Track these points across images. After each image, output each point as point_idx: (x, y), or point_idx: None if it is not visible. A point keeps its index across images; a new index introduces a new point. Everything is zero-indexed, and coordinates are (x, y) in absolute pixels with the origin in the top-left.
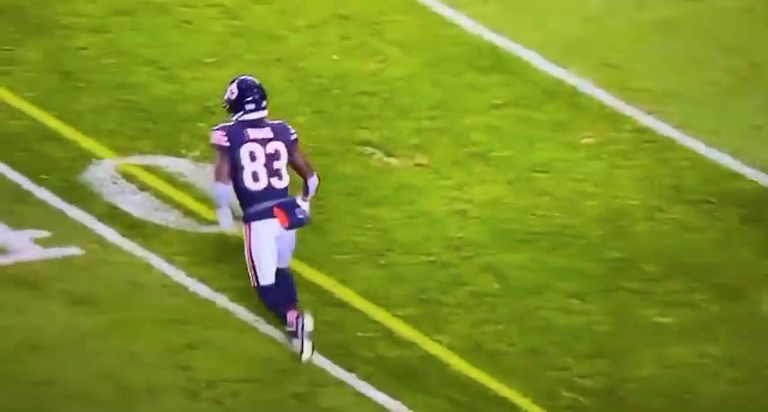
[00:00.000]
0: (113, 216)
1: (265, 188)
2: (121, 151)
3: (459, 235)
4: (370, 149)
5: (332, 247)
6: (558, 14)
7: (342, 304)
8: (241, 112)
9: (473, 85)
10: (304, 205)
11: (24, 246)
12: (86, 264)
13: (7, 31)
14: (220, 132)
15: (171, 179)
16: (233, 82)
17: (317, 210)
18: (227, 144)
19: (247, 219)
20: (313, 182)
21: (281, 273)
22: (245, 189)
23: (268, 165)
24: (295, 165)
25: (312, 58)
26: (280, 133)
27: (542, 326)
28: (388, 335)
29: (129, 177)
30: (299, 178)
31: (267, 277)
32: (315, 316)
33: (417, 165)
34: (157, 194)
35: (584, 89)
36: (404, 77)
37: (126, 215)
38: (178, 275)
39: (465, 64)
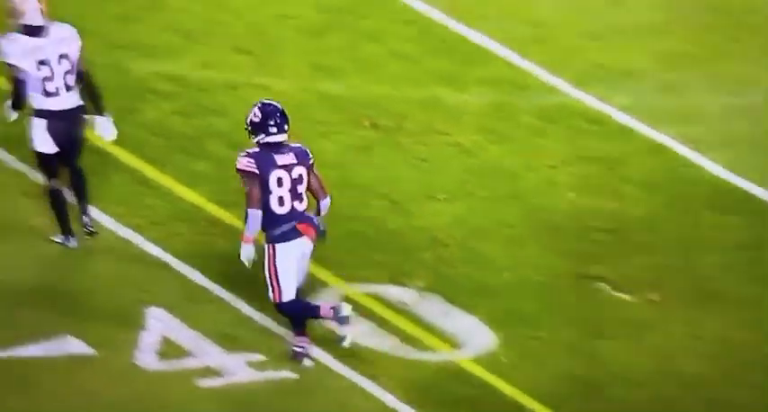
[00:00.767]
0: (331, 341)
1: (289, 211)
2: (347, 279)
3: (688, 370)
4: (601, 284)
5: (552, 379)
6: None
7: None
8: (263, 135)
9: (712, 225)
10: None
11: (238, 368)
12: (299, 387)
13: None
14: (247, 159)
15: (392, 306)
16: (255, 105)
17: (538, 341)
18: (256, 170)
19: (272, 240)
20: (325, 203)
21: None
22: (272, 212)
23: (293, 189)
24: (310, 187)
25: (547, 195)
26: (301, 157)
27: None
28: None
29: (352, 304)
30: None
31: (290, 293)
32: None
33: (649, 300)
34: (377, 321)
35: None
36: (641, 216)
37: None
38: (392, 401)
39: (704, 204)
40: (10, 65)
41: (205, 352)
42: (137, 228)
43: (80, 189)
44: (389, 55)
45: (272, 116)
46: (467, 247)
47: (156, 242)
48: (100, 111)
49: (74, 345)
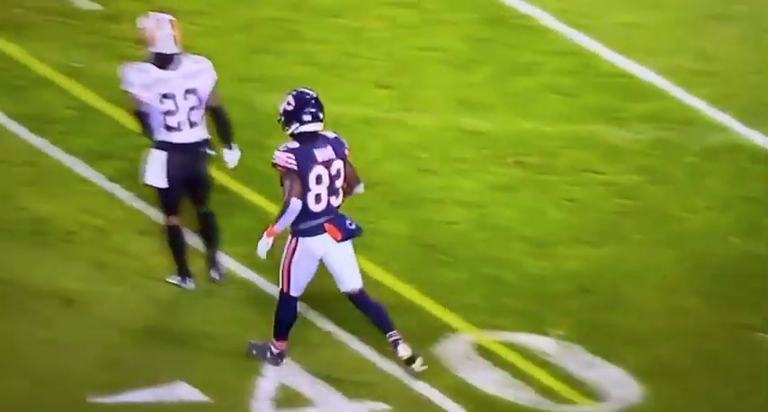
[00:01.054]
0: (462, 391)
1: (325, 208)
2: (480, 326)
3: None
4: (762, 335)
5: None
6: None
7: None
8: (297, 124)
9: None
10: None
11: None
12: None
13: (374, 203)
14: (287, 154)
15: (530, 356)
16: (288, 94)
17: (690, 395)
18: (295, 167)
19: (297, 233)
20: (359, 189)
21: (361, 299)
22: (307, 209)
23: (331, 185)
24: (345, 178)
25: (708, 240)
26: (338, 150)
27: None
28: None
29: (484, 353)
30: None
31: (299, 289)
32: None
33: None
34: (513, 372)
35: None
36: None
37: (476, 391)
38: None
39: None
40: (131, 94)
41: (326, 400)
42: (258, 269)
43: (210, 236)
44: (542, 89)
45: (307, 104)
46: (615, 294)
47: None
48: (228, 144)
49: (186, 391)
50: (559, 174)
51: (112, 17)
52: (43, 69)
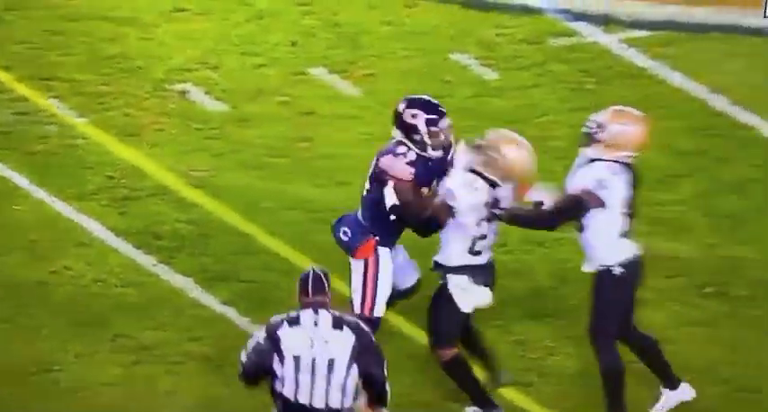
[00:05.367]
0: None
1: None
2: None
3: None
4: None
5: None
6: None
7: None
8: None
9: None
10: None
11: None
12: None
13: None
14: None
15: None
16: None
17: None
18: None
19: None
20: None
21: None
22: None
23: None
24: None
25: None
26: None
27: None
28: None
29: None
30: None
31: (381, 309)
32: None
33: None
34: None
35: None
36: None
37: None
38: None
39: None
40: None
41: None
42: None
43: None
44: (758, 210)
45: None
46: None
47: None
48: None
49: None
50: None
51: (241, 120)
52: (159, 178)
